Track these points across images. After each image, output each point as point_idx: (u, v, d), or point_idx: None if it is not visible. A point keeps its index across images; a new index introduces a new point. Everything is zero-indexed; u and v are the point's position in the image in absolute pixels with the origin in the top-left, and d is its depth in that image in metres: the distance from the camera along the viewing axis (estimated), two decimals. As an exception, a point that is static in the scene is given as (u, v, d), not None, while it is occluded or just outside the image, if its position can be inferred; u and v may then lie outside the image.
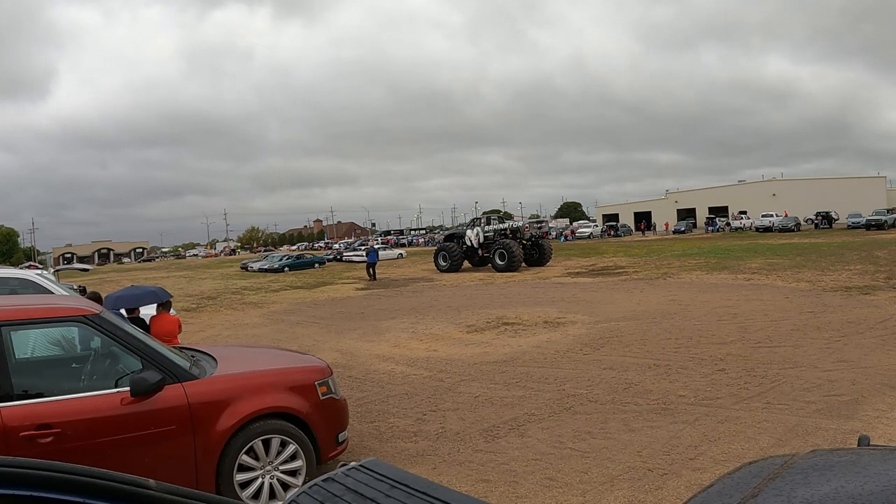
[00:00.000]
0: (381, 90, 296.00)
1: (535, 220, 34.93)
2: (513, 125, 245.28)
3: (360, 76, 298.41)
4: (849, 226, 48.60)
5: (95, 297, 6.80)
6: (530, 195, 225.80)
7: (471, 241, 29.56)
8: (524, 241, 28.94)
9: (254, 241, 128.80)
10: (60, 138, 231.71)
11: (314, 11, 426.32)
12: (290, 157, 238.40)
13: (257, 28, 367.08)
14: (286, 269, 39.64)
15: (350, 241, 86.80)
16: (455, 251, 29.67)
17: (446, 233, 37.64)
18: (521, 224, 31.10)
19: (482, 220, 31.01)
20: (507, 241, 27.91)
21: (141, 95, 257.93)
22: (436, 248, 33.38)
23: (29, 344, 4.46)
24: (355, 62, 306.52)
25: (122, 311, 6.89)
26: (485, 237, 29.46)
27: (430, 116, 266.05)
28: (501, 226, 30.34)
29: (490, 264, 28.40)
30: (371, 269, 28.00)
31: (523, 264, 27.96)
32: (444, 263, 29.67)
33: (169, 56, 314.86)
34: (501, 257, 27.15)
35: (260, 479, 4.26)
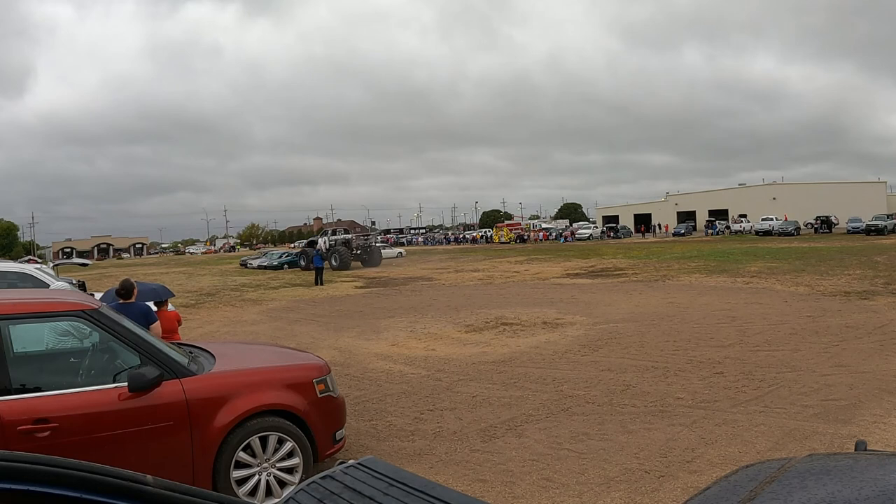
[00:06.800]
0: (358, 88, 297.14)
1: (363, 234, 45.48)
2: (497, 124, 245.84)
3: (334, 74, 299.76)
4: (848, 231, 48.64)
5: (127, 288, 6.02)
6: (529, 195, 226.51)
7: (321, 246, 36.81)
8: (354, 250, 37.75)
9: (253, 237, 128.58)
10: (44, 134, 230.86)
11: (281, 10, 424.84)
12: (276, 155, 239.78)
13: (226, 24, 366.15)
14: (285, 266, 39.62)
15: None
16: (311, 255, 34.57)
17: (309, 239, 48.33)
18: (351, 237, 39.98)
19: (329, 231, 40.23)
20: (342, 248, 36.51)
21: (119, 92, 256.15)
22: (298, 251, 42.55)
23: (29, 338, 4.45)
24: (329, 60, 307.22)
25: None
26: (330, 244, 37.37)
27: (411, 115, 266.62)
28: (342, 237, 39.13)
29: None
30: (318, 273, 26.22)
31: (358, 263, 37.51)
32: (303, 263, 37.07)
33: (143, 52, 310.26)
34: (335, 260, 35.49)
35: (257, 476, 4.26)
